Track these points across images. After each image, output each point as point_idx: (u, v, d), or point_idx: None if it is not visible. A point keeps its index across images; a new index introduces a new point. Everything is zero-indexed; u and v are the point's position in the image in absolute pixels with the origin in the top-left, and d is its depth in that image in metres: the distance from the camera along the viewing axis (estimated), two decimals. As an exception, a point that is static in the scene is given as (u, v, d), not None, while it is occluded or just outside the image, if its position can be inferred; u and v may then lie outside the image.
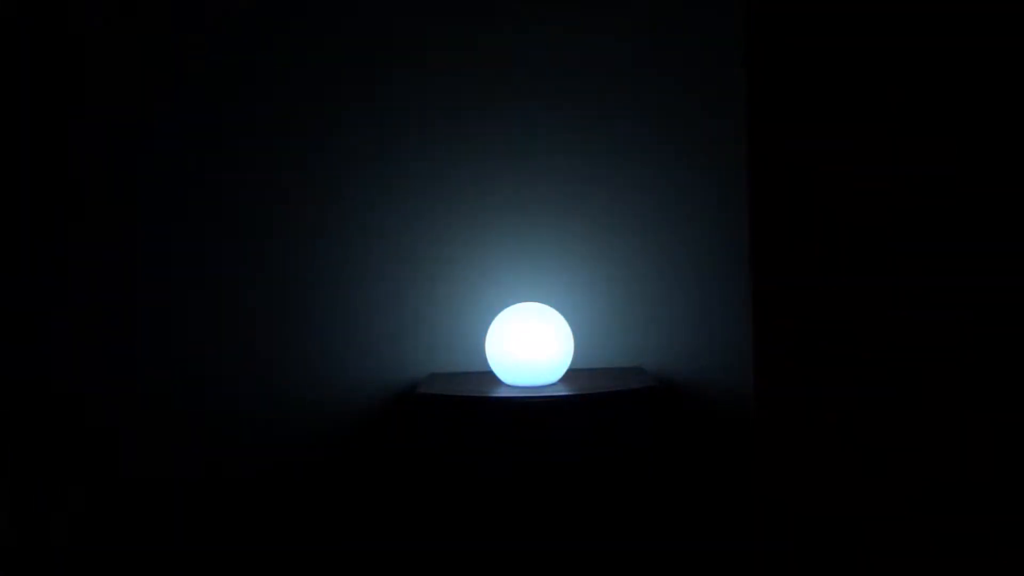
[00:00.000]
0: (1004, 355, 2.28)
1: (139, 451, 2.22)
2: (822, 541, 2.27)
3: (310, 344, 2.22)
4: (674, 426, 2.19)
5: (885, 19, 2.30)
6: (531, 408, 1.97)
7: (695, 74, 2.19)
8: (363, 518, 2.21)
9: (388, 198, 2.21)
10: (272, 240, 2.21)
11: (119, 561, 2.21)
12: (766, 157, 2.27)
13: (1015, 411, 2.27)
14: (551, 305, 2.14)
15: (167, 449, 2.22)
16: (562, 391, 2.01)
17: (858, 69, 2.30)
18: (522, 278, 2.21)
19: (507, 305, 2.13)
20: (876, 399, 2.29)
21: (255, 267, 2.22)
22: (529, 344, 2.03)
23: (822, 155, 2.29)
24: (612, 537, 1.99)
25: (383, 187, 2.21)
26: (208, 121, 2.21)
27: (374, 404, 2.21)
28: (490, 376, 2.13)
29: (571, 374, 2.13)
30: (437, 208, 2.21)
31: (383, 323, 2.21)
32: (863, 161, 2.30)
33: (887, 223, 2.29)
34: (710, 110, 2.19)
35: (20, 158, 2.20)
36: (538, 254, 2.21)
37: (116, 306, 2.22)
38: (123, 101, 2.21)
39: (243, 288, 2.22)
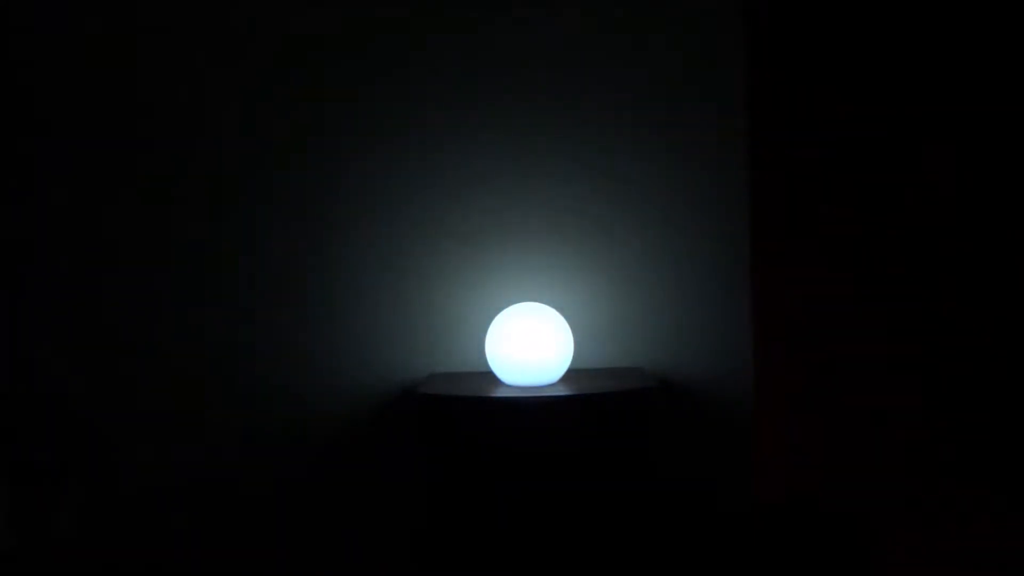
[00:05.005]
0: (1004, 353, 2.28)
1: (138, 451, 2.22)
2: (822, 540, 2.27)
3: (310, 344, 2.22)
4: (674, 426, 2.19)
5: (883, 23, 2.30)
6: (531, 408, 1.97)
7: (696, 75, 2.19)
8: (363, 518, 2.21)
9: (388, 198, 2.21)
10: (271, 240, 2.21)
11: (118, 561, 2.21)
12: (766, 158, 2.27)
13: (1015, 409, 2.27)
14: (551, 305, 2.14)
15: (166, 449, 2.22)
16: (562, 391, 2.01)
17: (857, 70, 2.30)
18: (522, 278, 2.21)
19: (507, 305, 2.13)
20: (876, 398, 2.29)
21: (254, 267, 2.21)
22: (529, 344, 2.03)
23: (822, 157, 2.29)
24: (612, 537, 1.99)
25: (383, 187, 2.21)
26: (205, 117, 2.21)
27: (374, 404, 2.21)
28: (490, 376, 2.13)
29: (571, 374, 2.13)
30: (437, 208, 2.21)
31: (383, 323, 2.21)
32: (863, 163, 2.30)
33: (887, 224, 2.29)
34: (710, 111, 2.19)
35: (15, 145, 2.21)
36: (538, 254, 2.21)
37: (115, 305, 2.22)
38: (120, 98, 2.21)
39: (242, 288, 2.22)
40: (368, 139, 2.21)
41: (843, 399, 2.29)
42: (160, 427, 2.22)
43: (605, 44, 2.19)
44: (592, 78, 2.19)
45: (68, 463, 2.22)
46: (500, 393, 2.00)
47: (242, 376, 2.22)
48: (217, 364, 2.22)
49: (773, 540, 2.24)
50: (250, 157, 2.21)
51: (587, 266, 2.21)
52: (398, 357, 2.21)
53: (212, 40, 2.20)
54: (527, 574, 1.99)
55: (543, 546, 1.98)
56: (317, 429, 2.21)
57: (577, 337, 2.15)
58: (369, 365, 2.21)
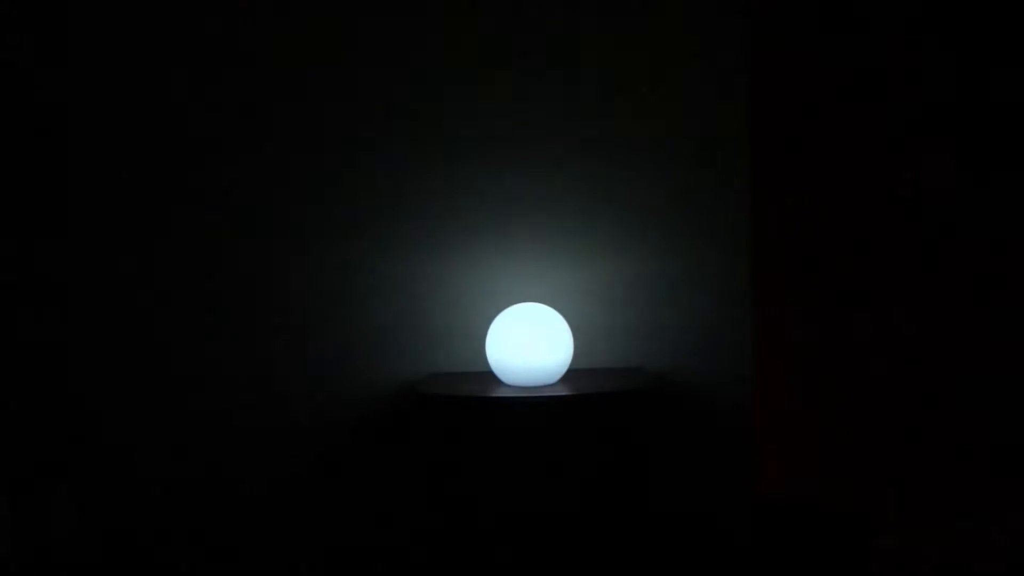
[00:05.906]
0: (1004, 353, 2.28)
1: (138, 452, 2.22)
2: (822, 540, 2.27)
3: (310, 344, 2.22)
4: (674, 426, 2.19)
5: (882, 23, 2.30)
6: (531, 408, 1.97)
7: (697, 74, 2.19)
8: (363, 518, 2.21)
9: (387, 198, 2.21)
10: (271, 240, 2.21)
11: (118, 561, 2.21)
12: (766, 158, 2.27)
13: (1015, 409, 2.27)
14: (551, 305, 2.14)
15: (167, 449, 2.22)
16: (562, 391, 2.01)
17: (857, 70, 2.30)
18: (522, 278, 2.21)
19: (507, 305, 2.13)
20: (876, 398, 2.29)
21: (254, 267, 2.22)
22: (529, 344, 2.03)
23: (822, 156, 2.30)
24: (612, 537, 1.99)
25: (382, 187, 2.21)
26: (206, 117, 2.21)
27: (374, 404, 2.21)
28: (490, 376, 2.13)
29: (571, 374, 2.13)
30: (437, 208, 2.21)
31: (383, 323, 2.21)
32: (862, 162, 2.30)
33: (886, 224, 2.29)
34: (710, 111, 2.19)
35: (19, 157, 2.21)
36: (538, 254, 2.21)
37: (115, 306, 2.22)
38: (120, 98, 2.21)
39: (242, 288, 2.22)
40: (368, 139, 2.21)
41: (843, 399, 2.29)
42: (161, 427, 2.22)
43: (605, 44, 2.19)
44: (592, 78, 2.19)
45: (68, 463, 2.22)
46: (500, 393, 2.00)
47: (243, 376, 2.22)
48: (217, 364, 2.22)
49: (773, 539, 2.25)
50: (250, 157, 2.21)
51: (587, 266, 2.21)
52: (398, 357, 2.21)
53: (212, 40, 2.20)
54: (527, 573, 1.99)
55: (543, 545, 1.98)
56: (317, 429, 2.22)
57: (577, 337, 2.15)
58: (369, 365, 2.21)
